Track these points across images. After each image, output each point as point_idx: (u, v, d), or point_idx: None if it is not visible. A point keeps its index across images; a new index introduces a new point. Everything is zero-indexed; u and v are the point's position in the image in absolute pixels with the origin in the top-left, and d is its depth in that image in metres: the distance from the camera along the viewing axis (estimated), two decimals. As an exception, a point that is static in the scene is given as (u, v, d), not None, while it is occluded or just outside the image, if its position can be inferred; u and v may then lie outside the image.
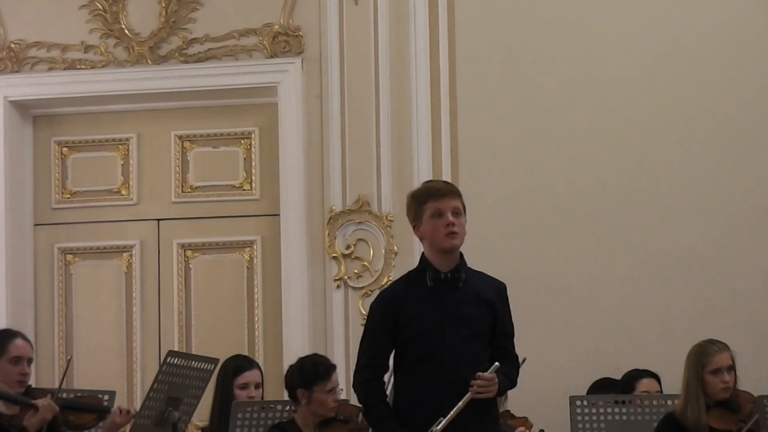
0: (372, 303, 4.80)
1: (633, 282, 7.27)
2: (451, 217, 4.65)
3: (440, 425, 4.53)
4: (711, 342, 5.92)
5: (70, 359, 6.43)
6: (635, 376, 6.78)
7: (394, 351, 4.72)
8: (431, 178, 7.32)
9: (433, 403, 4.57)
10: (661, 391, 6.70)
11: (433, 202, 4.68)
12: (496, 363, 4.58)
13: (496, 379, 4.59)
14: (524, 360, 5.03)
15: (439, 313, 4.63)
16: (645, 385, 6.71)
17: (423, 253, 4.75)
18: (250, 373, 6.25)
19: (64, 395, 5.87)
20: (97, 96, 7.87)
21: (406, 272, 4.88)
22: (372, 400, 4.69)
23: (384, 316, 4.69)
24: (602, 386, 6.91)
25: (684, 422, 5.75)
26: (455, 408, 4.53)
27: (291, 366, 5.82)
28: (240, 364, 6.30)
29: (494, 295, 4.72)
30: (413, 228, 4.75)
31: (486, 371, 4.58)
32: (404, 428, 4.60)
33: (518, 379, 6.42)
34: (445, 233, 4.64)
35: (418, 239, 7.21)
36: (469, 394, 4.54)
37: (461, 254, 4.74)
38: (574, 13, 7.47)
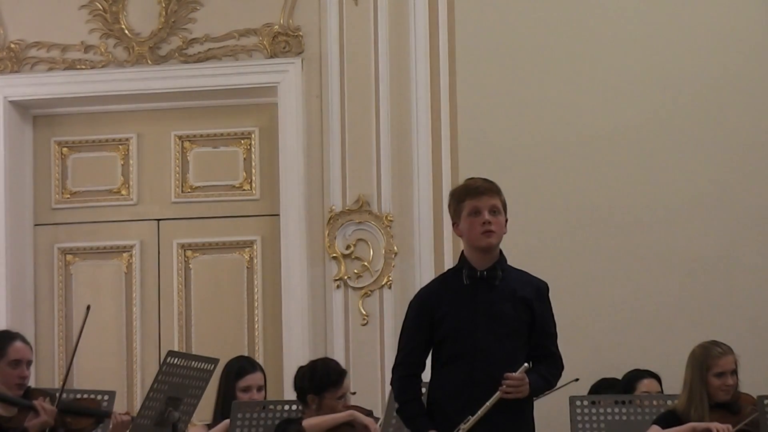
0: (410, 301, 4.81)
1: (633, 282, 7.27)
2: (487, 216, 4.63)
3: (468, 423, 4.53)
4: (715, 344, 5.93)
5: (73, 355, 6.28)
6: (636, 376, 6.78)
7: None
8: (431, 178, 7.35)
9: (465, 401, 4.57)
10: (662, 392, 6.71)
11: (470, 200, 4.66)
12: (525, 363, 4.56)
13: (527, 380, 4.56)
14: (577, 379, 4.86)
15: (473, 310, 4.62)
16: (646, 385, 6.72)
17: (462, 251, 4.75)
18: (252, 376, 6.23)
19: (64, 395, 5.85)
20: (97, 96, 7.87)
21: (445, 270, 4.90)
22: (405, 397, 4.70)
23: (419, 314, 4.70)
24: (605, 386, 6.91)
25: (686, 421, 5.76)
26: (483, 407, 4.52)
27: (301, 368, 5.79)
28: (243, 366, 6.27)
29: (532, 294, 4.70)
30: (453, 226, 4.75)
31: (517, 371, 4.59)
32: (435, 425, 4.60)
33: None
34: (481, 231, 4.62)
35: (418, 239, 7.35)
36: (497, 393, 4.52)
37: (501, 252, 4.73)
38: (575, 12, 7.47)
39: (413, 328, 4.71)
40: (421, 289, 4.84)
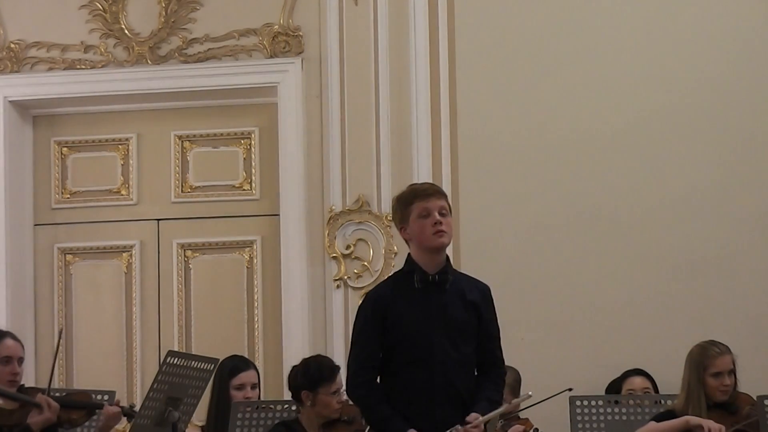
0: (360, 305, 4.81)
1: (633, 282, 7.27)
2: (438, 216, 4.66)
3: None
4: (713, 344, 5.94)
5: (61, 331, 6.18)
6: (623, 376, 6.88)
7: None
8: (431, 178, 7.34)
9: (422, 406, 4.58)
10: (653, 388, 6.76)
11: (419, 202, 4.70)
12: (498, 410, 4.60)
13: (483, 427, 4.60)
14: (529, 395, 4.88)
15: (427, 315, 4.63)
16: (631, 383, 6.84)
17: (409, 254, 4.76)
18: (246, 374, 6.26)
19: (58, 394, 5.86)
20: (97, 96, 7.87)
21: (391, 274, 4.89)
22: (372, 400, 4.68)
23: (373, 317, 4.71)
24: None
25: (683, 421, 5.79)
26: None
27: (294, 367, 5.82)
28: (236, 364, 6.30)
29: (479, 297, 4.74)
30: (399, 230, 4.77)
31: (473, 374, 4.62)
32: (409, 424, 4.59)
33: (520, 380, 6.45)
34: (432, 232, 4.66)
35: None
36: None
37: (447, 256, 4.74)
38: (575, 12, 7.47)
39: (368, 332, 4.71)
40: (370, 293, 4.86)
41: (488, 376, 4.70)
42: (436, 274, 4.68)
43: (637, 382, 6.87)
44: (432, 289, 4.66)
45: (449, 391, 4.55)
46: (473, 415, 4.56)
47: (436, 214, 4.67)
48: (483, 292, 4.77)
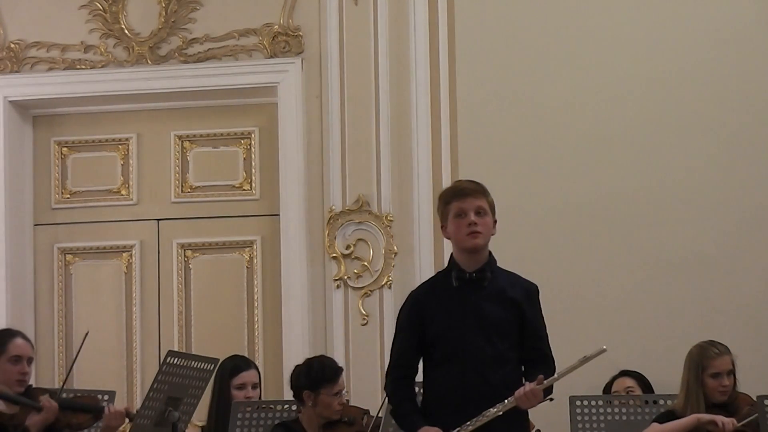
0: (402, 303, 4.82)
1: (634, 282, 7.27)
2: (473, 217, 4.64)
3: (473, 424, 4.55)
4: (712, 344, 5.93)
5: (86, 334, 6.07)
6: (611, 380, 6.89)
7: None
8: (431, 178, 7.35)
9: (456, 403, 4.58)
10: (644, 387, 6.76)
11: (456, 202, 4.68)
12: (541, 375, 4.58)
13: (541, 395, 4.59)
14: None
15: (462, 312, 4.63)
16: (619, 384, 6.84)
17: (451, 253, 4.76)
18: (247, 373, 6.26)
19: (64, 395, 5.86)
20: (97, 96, 7.87)
21: (434, 273, 4.92)
22: (398, 397, 4.70)
23: (410, 316, 4.72)
24: None
25: (684, 421, 5.79)
26: (490, 413, 4.54)
27: (297, 366, 5.82)
28: (237, 364, 6.31)
29: (520, 295, 4.70)
30: (441, 228, 4.76)
31: (512, 372, 4.62)
32: (428, 423, 4.58)
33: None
34: (466, 233, 4.63)
35: (418, 239, 7.35)
36: (511, 400, 4.55)
37: (490, 253, 4.73)
38: (575, 13, 7.47)
39: (404, 331, 4.73)
40: (412, 291, 4.85)
41: (537, 369, 4.68)
42: (474, 272, 4.66)
43: (627, 383, 6.87)
44: (469, 286, 4.66)
45: (482, 389, 4.55)
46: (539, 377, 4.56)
47: (472, 214, 4.64)
48: (527, 290, 4.73)
